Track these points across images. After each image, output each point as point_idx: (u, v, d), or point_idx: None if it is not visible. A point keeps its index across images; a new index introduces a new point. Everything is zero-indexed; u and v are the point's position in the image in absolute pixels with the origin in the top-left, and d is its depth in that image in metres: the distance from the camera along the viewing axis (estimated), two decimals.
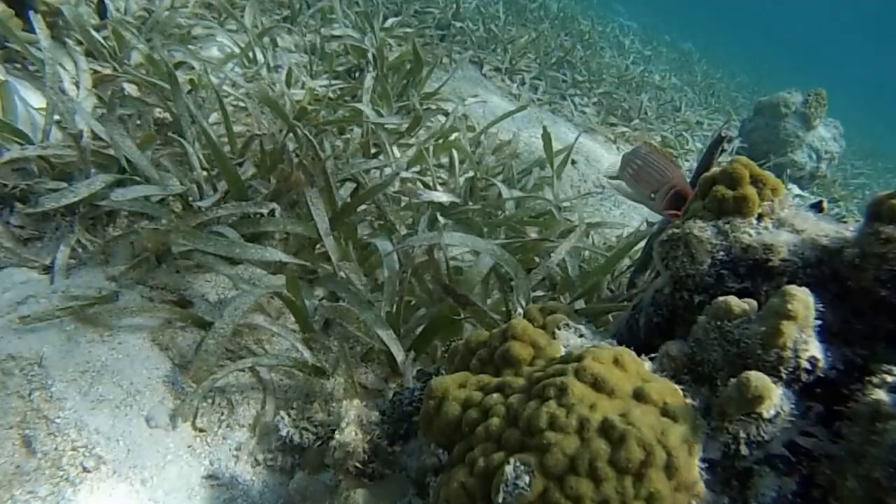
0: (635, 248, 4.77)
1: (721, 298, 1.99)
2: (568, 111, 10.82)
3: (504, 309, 3.89)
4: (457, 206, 5.13)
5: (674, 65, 23.15)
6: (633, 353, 1.98)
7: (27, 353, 2.97)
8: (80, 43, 4.93)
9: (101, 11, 5.44)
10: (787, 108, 13.40)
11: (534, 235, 5.19)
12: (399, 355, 3.32)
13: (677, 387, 1.87)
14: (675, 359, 2.04)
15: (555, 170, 6.60)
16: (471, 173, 5.88)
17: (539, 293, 4.45)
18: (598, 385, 1.83)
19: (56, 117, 3.99)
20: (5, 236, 3.51)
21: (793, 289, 1.81)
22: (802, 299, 1.80)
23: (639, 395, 1.81)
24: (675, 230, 2.35)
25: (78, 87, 4.49)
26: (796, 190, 13.15)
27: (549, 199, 5.95)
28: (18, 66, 4.46)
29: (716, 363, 1.93)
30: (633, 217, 7.76)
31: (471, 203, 5.42)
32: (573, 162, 7.89)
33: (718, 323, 1.95)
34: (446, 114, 7.18)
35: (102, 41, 5.05)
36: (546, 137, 6.43)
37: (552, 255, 4.21)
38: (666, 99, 15.66)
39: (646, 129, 11.63)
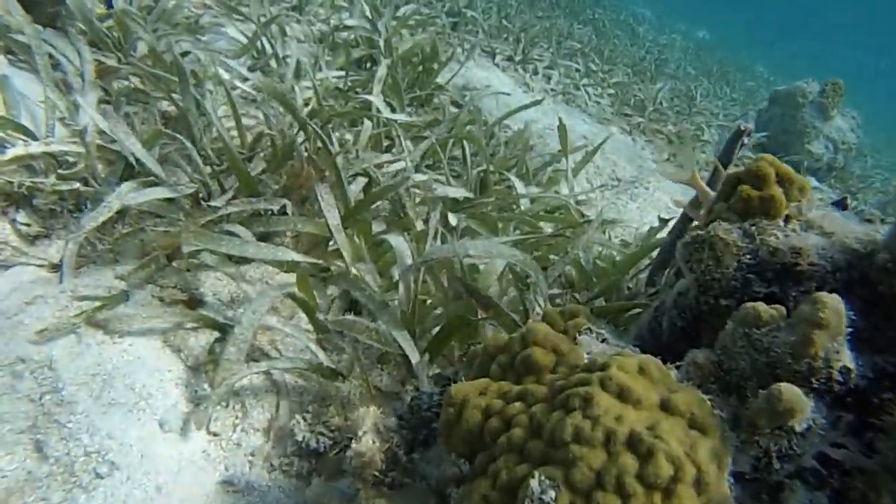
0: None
1: (749, 304, 1.97)
2: (582, 101, 10.80)
3: (521, 308, 3.89)
4: (470, 200, 5.13)
5: (688, 54, 23.09)
6: (659, 362, 1.97)
7: (37, 356, 2.97)
8: (83, 33, 4.92)
9: (107, 1, 5.43)
10: (805, 97, 13.38)
11: (549, 230, 5.19)
12: (414, 357, 3.32)
13: (705, 397, 1.86)
14: (701, 367, 2.03)
15: (569, 164, 6.58)
16: (484, 166, 5.87)
17: (555, 291, 4.44)
18: (623, 395, 1.82)
19: (58, 113, 3.99)
20: (13, 235, 3.51)
21: (823, 296, 1.80)
22: (834, 307, 1.78)
23: (666, 406, 1.80)
24: (700, 232, 2.34)
25: (83, 79, 4.47)
26: (814, 182, 13.12)
27: (564, 194, 5.95)
28: (23, 59, 4.44)
29: (744, 372, 1.92)
30: (649, 212, 7.75)
31: (483, 197, 5.41)
32: (586, 152, 7.85)
33: (746, 330, 1.93)
34: (458, 105, 7.19)
35: (106, 31, 5.04)
36: (562, 130, 6.42)
37: (568, 251, 4.20)
38: (681, 89, 15.61)
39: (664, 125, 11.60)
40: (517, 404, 2.02)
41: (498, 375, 2.29)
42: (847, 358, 1.82)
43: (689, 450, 1.67)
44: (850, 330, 1.83)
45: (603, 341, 2.33)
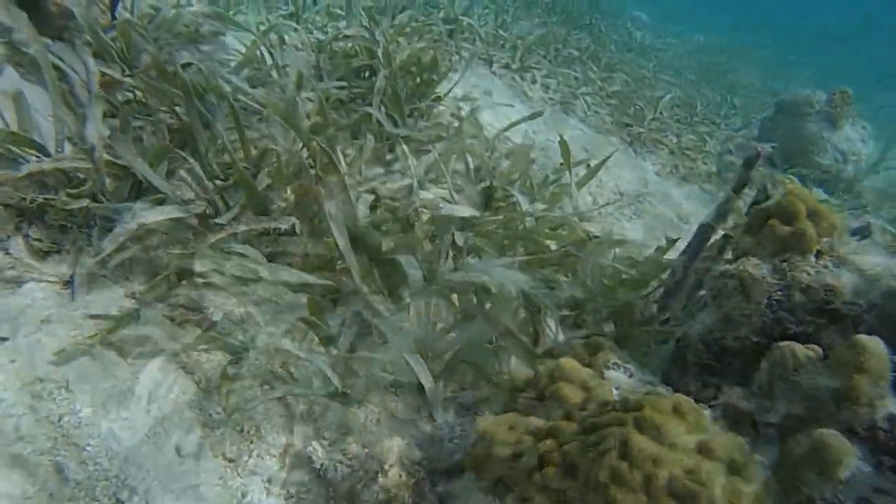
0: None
1: (784, 344, 2.01)
2: (581, 111, 10.83)
3: (531, 330, 3.93)
4: (476, 218, 5.17)
5: (687, 59, 23.11)
6: (692, 402, 2.00)
7: (54, 376, 3.02)
8: (88, 44, 4.94)
9: (113, 9, 5.46)
10: (811, 107, 13.35)
11: (553, 247, 5.23)
12: (428, 383, 3.36)
13: (742, 440, 1.89)
14: (736, 408, 2.07)
15: (572, 179, 6.61)
16: (487, 181, 5.90)
17: (564, 312, 4.48)
18: (659, 437, 1.85)
19: (67, 131, 4.03)
20: (25, 251, 3.55)
21: (864, 339, 1.84)
22: (876, 352, 1.82)
23: (703, 449, 1.84)
24: (728, 267, 2.38)
25: (89, 92, 4.50)
26: (821, 194, 13.06)
27: (568, 211, 6.00)
28: (32, 72, 4.48)
29: (782, 415, 1.95)
30: (654, 227, 7.77)
31: (488, 213, 5.44)
32: (588, 166, 7.87)
33: (783, 372, 1.96)
34: (458, 116, 7.23)
35: (111, 42, 5.07)
36: (564, 146, 6.44)
37: (577, 273, 4.25)
38: (681, 97, 15.60)
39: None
40: (548, 442, 2.06)
41: (525, 410, 2.33)
42: (892, 404, 1.84)
43: (731, 497, 1.71)
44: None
45: (630, 377, 2.37)
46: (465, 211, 4.99)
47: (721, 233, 3.70)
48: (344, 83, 6.73)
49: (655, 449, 1.83)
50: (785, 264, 2.26)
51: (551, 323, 3.87)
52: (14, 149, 3.74)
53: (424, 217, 4.93)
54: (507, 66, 11.15)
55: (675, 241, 5.17)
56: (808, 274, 2.21)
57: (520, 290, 3.99)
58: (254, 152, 4.73)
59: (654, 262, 4.93)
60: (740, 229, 2.85)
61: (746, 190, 3.65)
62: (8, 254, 3.51)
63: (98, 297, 3.52)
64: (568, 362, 2.31)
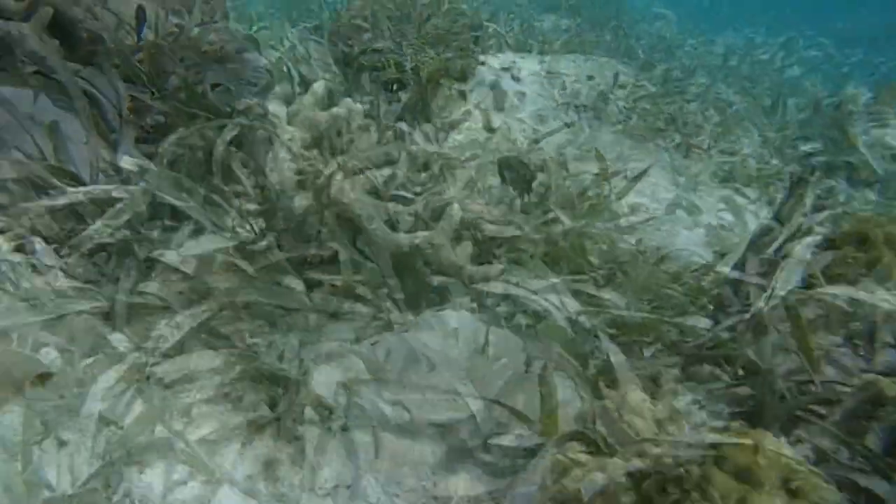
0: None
1: (871, 377, 1.99)
2: (613, 117, 10.79)
3: (576, 352, 3.93)
4: (518, 237, 5.17)
5: (718, 58, 23.01)
6: (773, 437, 1.99)
7: (105, 413, 3.06)
8: (116, 66, 4.98)
9: (139, 30, 5.51)
10: (855, 104, 13.09)
11: (595, 261, 5.24)
12: (480, 414, 3.36)
13: (831, 482, 1.87)
14: (818, 443, 2.05)
15: (611, 191, 6.61)
16: (523, 197, 5.91)
17: (611, 331, 4.47)
18: (742, 476, 1.85)
19: (102, 162, 4.08)
20: (64, 281, 3.59)
21: None
22: None
23: (790, 490, 1.82)
24: (801, 294, 2.36)
25: (120, 117, 4.55)
26: (871, 196, 12.75)
27: (609, 225, 6.00)
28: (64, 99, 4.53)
29: (872, 452, 1.92)
30: (697, 237, 7.72)
31: (527, 230, 5.44)
32: (625, 177, 7.84)
33: (870, 407, 1.94)
34: (490, 129, 7.26)
35: (139, 64, 5.11)
36: (600, 158, 6.45)
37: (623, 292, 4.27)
38: (714, 99, 15.46)
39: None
40: (622, 480, 2.06)
41: (592, 445, 2.33)
42: None
43: None
44: None
45: (700, 408, 2.37)
46: (508, 230, 5.00)
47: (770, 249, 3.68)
48: (372, 97, 6.76)
49: (739, 489, 1.82)
50: (862, 293, 2.23)
51: (604, 345, 3.87)
52: (52, 179, 3.78)
53: (465, 238, 4.93)
54: (535, 74, 11.14)
55: (724, 255, 5.15)
56: (889, 303, 2.18)
57: (568, 315, 4.00)
58: (289, 175, 4.74)
59: (701, 278, 4.93)
60: (797, 247, 2.83)
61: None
62: (48, 284, 3.56)
63: (139, 327, 3.55)
64: (636, 394, 2.31)
